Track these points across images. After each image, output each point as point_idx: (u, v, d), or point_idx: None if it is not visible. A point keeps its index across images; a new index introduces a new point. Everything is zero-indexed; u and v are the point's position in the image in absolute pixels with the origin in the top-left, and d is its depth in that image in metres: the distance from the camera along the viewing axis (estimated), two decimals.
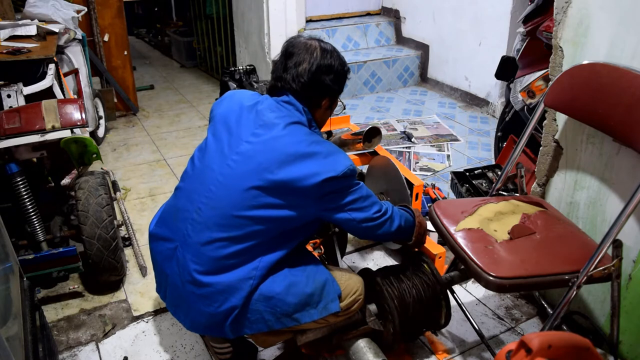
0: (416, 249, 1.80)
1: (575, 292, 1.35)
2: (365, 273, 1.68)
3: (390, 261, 2.26)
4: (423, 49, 4.40)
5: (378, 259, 2.27)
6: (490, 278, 1.36)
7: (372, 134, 2.03)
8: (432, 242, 1.78)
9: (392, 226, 1.50)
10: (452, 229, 1.54)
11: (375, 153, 2.33)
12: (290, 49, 1.43)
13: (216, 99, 3.19)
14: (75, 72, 3.01)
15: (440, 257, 1.80)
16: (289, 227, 1.39)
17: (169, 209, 1.51)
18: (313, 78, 1.39)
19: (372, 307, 1.66)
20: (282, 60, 1.44)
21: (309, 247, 2.07)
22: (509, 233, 1.52)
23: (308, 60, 1.39)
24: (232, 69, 2.90)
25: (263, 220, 1.34)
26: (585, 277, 1.34)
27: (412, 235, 1.63)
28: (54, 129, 1.91)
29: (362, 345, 1.58)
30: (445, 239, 1.55)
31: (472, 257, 1.42)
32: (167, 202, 1.56)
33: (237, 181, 1.34)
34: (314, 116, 1.46)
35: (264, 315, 1.38)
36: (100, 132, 3.51)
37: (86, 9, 3.45)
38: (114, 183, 2.87)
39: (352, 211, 1.39)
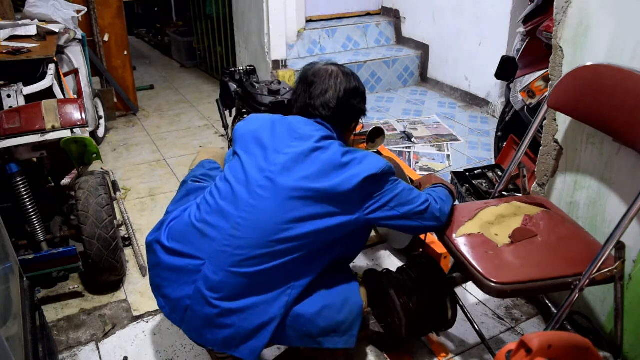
0: (420, 250, 1.80)
1: (577, 295, 1.34)
2: (370, 274, 1.67)
3: (393, 261, 2.26)
4: (423, 49, 4.40)
5: (380, 259, 2.27)
6: (492, 284, 1.35)
7: (376, 134, 2.04)
8: (437, 242, 1.78)
9: (446, 207, 1.50)
10: (452, 235, 1.53)
11: (378, 153, 2.34)
12: (312, 78, 1.45)
13: (216, 100, 3.20)
14: (75, 72, 3.01)
15: (445, 257, 1.80)
16: (331, 238, 1.36)
17: (189, 226, 1.41)
18: (342, 103, 1.43)
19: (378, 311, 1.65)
20: (305, 89, 1.45)
21: None
22: (510, 237, 1.50)
23: (334, 87, 1.42)
24: (232, 69, 2.89)
25: (305, 234, 1.31)
26: (587, 280, 1.33)
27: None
28: (54, 129, 1.91)
29: (364, 347, 1.58)
30: (446, 245, 1.54)
31: (473, 263, 1.41)
32: (180, 218, 1.46)
33: (277, 194, 1.32)
34: (341, 139, 1.46)
35: (287, 330, 1.36)
36: (100, 132, 3.51)
37: (86, 9, 3.45)
38: (114, 183, 2.87)
39: (398, 207, 1.38)
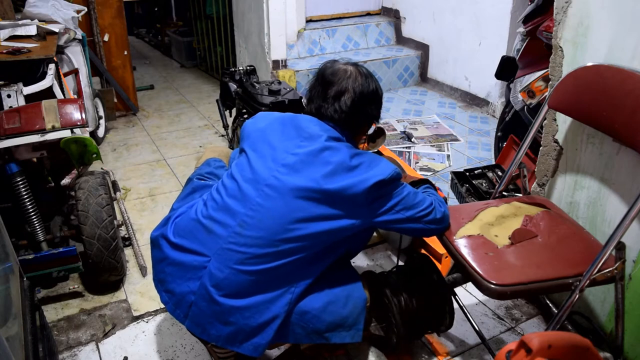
0: (420, 250, 1.80)
1: (577, 296, 1.34)
2: (368, 276, 1.67)
3: (394, 261, 2.26)
4: (423, 49, 4.40)
5: (380, 259, 2.27)
6: (492, 286, 1.34)
7: (377, 135, 2.04)
8: (437, 242, 1.77)
9: (446, 210, 1.51)
10: (452, 236, 1.52)
11: (379, 153, 2.34)
12: (329, 77, 1.41)
13: (216, 100, 3.19)
14: (75, 72, 3.01)
15: (446, 257, 1.79)
16: (335, 239, 1.37)
17: (195, 222, 1.41)
18: (356, 108, 1.40)
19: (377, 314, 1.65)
20: (320, 89, 1.43)
21: None
22: (510, 238, 1.50)
23: (350, 90, 1.39)
24: (232, 69, 2.89)
25: (310, 235, 1.32)
26: (588, 281, 1.33)
27: None
28: (54, 129, 1.91)
29: (364, 348, 1.58)
30: (446, 247, 1.53)
31: (473, 265, 1.41)
32: (186, 214, 1.46)
33: (285, 193, 1.32)
34: (351, 142, 1.44)
35: (294, 328, 1.36)
36: (100, 132, 3.51)
37: (86, 9, 3.45)
38: (114, 183, 2.86)
39: (404, 210, 1.38)
